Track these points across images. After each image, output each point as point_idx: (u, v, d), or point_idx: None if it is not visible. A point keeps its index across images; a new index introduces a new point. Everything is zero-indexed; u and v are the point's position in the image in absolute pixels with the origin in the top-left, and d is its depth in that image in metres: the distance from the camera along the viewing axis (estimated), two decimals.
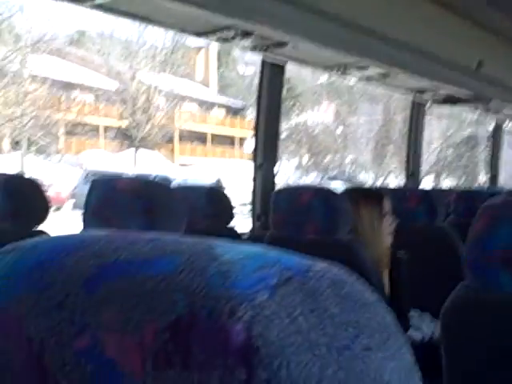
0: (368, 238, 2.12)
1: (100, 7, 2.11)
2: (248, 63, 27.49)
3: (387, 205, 2.18)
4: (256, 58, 2.89)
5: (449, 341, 1.22)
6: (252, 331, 0.29)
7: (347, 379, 0.30)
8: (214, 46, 25.36)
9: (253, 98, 24.66)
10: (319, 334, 0.30)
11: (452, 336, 1.20)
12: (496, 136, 5.60)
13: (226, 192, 2.82)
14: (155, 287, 0.32)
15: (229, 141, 25.82)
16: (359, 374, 0.30)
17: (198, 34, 2.44)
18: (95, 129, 21.56)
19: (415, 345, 2.05)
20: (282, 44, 2.45)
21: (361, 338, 0.31)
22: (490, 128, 5.84)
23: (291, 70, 3.20)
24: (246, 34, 2.30)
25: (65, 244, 0.37)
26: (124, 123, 21.49)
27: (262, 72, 2.84)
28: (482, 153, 21.70)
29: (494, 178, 5.64)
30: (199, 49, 25.56)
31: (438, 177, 22.72)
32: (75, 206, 14.04)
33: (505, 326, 1.15)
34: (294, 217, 2.12)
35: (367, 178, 22.81)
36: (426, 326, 2.15)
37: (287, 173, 21.22)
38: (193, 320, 0.30)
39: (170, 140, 23.45)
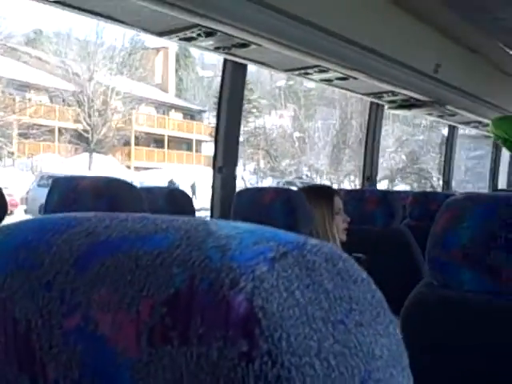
0: (320, 235, 2.14)
1: (59, 3, 2.07)
2: (206, 66, 27.40)
3: (339, 202, 2.21)
4: (215, 61, 2.88)
5: (408, 337, 1.23)
6: (253, 302, 0.29)
7: (343, 353, 0.30)
8: (173, 47, 25.23)
9: (210, 102, 24.58)
10: (315, 308, 0.30)
11: (412, 332, 1.21)
12: (450, 141, 5.70)
13: (186, 192, 2.81)
14: (151, 262, 0.31)
15: (186, 145, 25.68)
16: (353, 349, 0.31)
17: (161, 34, 2.42)
18: (50, 132, 21.13)
19: None
20: (244, 45, 2.45)
21: (353, 313, 0.31)
22: (444, 133, 5.93)
23: (249, 73, 3.21)
24: (209, 34, 2.29)
25: (51, 223, 0.36)
26: (80, 126, 21.15)
27: (223, 71, 2.84)
28: (435, 159, 22.10)
29: (447, 182, 5.72)
30: (158, 50, 25.35)
31: (391, 182, 23.03)
32: (28, 211, 13.74)
33: (465, 323, 1.17)
34: (255, 217, 2.13)
35: (323, 183, 22.93)
36: None
37: (243, 178, 21.19)
38: (192, 293, 0.30)
39: (127, 143, 23.20)
